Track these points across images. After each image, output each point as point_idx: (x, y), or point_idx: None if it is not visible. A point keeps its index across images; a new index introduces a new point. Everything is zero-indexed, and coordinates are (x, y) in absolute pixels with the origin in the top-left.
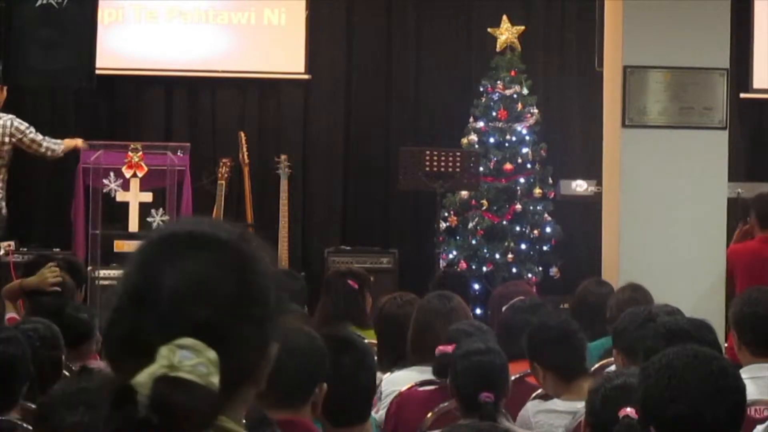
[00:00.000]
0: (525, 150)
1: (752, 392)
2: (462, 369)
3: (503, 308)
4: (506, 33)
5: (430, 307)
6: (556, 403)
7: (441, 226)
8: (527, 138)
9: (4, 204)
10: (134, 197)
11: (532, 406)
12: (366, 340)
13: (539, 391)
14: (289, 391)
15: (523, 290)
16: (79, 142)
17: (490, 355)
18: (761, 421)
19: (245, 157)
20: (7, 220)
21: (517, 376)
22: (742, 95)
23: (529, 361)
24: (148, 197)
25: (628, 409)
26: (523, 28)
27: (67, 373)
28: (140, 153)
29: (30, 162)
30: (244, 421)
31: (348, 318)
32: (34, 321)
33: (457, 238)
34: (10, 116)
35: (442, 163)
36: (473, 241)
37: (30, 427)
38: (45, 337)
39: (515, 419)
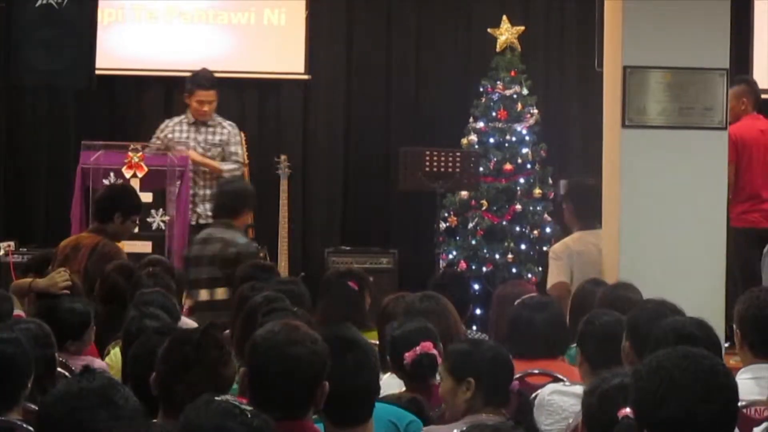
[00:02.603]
0: (525, 150)
1: (755, 392)
2: (491, 359)
3: (515, 304)
4: (506, 33)
5: (422, 308)
6: (575, 388)
7: (441, 226)
8: (527, 138)
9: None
10: None
11: (548, 388)
12: None
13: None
14: (292, 405)
15: (526, 289)
16: None
17: (502, 348)
18: (760, 421)
19: (245, 157)
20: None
21: (519, 375)
22: None
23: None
24: (148, 198)
25: (627, 410)
26: (522, 28)
27: (64, 372)
28: (140, 153)
29: (30, 162)
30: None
31: (348, 319)
32: (26, 321)
33: (457, 238)
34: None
35: (442, 164)
36: (473, 242)
37: (31, 429)
38: (38, 336)
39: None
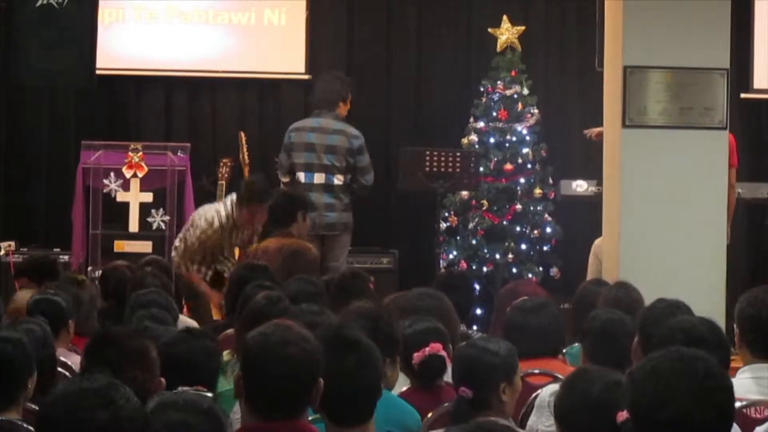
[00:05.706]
0: (525, 150)
1: (754, 392)
2: (455, 360)
3: (509, 307)
4: (506, 33)
5: (422, 306)
6: None
7: (441, 226)
8: (527, 138)
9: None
10: (134, 197)
11: (549, 389)
12: None
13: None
14: (290, 405)
15: (531, 290)
16: None
17: (482, 352)
18: (762, 421)
19: (245, 157)
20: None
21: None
22: (742, 95)
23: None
24: (148, 197)
25: (625, 413)
26: (523, 28)
27: (64, 371)
28: (140, 153)
29: (30, 162)
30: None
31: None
32: (29, 322)
33: (458, 238)
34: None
35: (442, 164)
36: (473, 242)
37: (31, 428)
38: (39, 337)
39: (518, 420)
